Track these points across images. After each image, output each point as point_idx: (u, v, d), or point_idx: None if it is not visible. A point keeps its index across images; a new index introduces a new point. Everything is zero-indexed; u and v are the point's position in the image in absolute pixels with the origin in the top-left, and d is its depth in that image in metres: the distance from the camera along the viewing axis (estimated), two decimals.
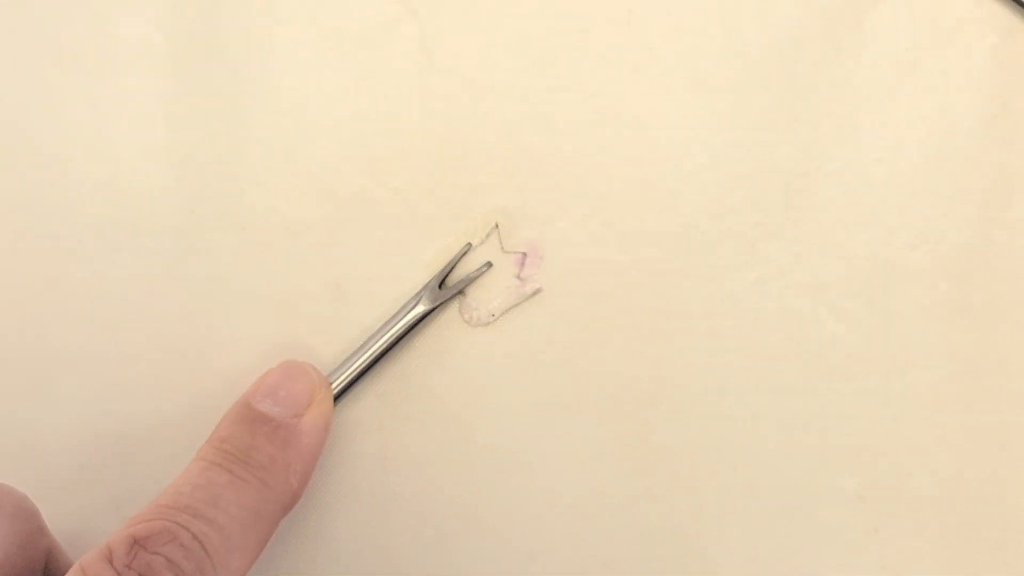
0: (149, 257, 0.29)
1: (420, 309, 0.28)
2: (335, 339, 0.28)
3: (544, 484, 0.28)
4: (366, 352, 0.28)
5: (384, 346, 0.28)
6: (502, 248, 0.28)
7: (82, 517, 0.28)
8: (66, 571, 0.25)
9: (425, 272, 0.28)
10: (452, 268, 0.28)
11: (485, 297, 0.28)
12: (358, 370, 0.28)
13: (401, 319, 0.28)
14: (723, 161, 0.28)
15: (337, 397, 0.27)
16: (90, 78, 0.29)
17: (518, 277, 0.28)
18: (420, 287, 0.28)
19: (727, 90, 0.28)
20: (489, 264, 0.28)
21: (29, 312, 0.29)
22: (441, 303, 0.28)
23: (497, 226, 0.28)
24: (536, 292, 0.28)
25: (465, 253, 0.28)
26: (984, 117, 0.28)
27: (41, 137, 0.29)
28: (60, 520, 0.27)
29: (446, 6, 0.28)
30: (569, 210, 0.28)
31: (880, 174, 0.28)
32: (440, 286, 0.28)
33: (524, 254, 0.28)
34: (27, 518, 0.24)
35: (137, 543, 0.21)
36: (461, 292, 0.28)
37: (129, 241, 0.29)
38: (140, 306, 0.29)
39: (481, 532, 0.28)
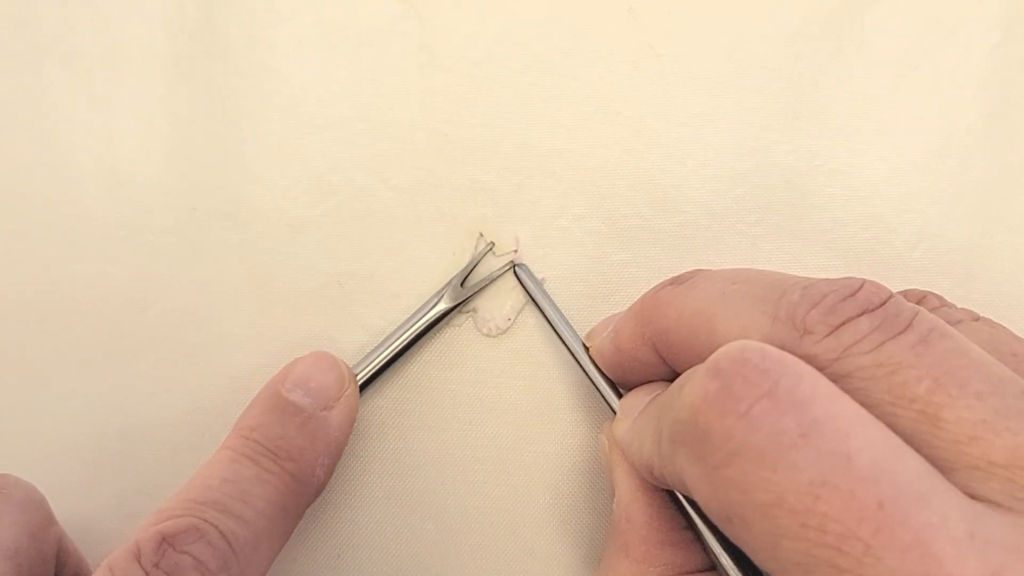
0: (151, 255, 0.29)
1: (442, 307, 0.28)
2: (337, 336, 0.28)
3: (544, 482, 0.28)
4: (388, 347, 0.27)
5: (406, 341, 0.27)
6: (494, 254, 0.28)
7: (85, 515, 0.28)
8: (76, 561, 0.26)
9: (427, 269, 0.28)
10: (474, 267, 0.28)
11: (495, 306, 0.28)
12: (380, 364, 0.27)
13: (423, 316, 0.28)
14: (723, 159, 0.28)
15: (360, 391, 0.27)
16: (92, 76, 0.29)
17: None
18: (439, 285, 0.28)
19: (727, 88, 0.28)
20: (511, 264, 0.28)
21: (32, 309, 0.29)
22: (463, 301, 0.28)
23: (482, 235, 0.28)
24: (542, 281, 0.28)
25: (488, 251, 0.28)
26: (984, 117, 0.28)
27: (43, 135, 0.29)
28: (63, 518, 0.26)
29: (447, 4, 0.29)
30: (570, 208, 0.28)
31: (880, 172, 0.28)
32: (462, 284, 0.28)
33: (515, 251, 0.28)
34: (37, 508, 0.24)
35: (165, 541, 0.21)
36: (478, 294, 0.28)
37: (131, 239, 0.29)
38: (142, 304, 0.29)
39: (481, 529, 0.28)
